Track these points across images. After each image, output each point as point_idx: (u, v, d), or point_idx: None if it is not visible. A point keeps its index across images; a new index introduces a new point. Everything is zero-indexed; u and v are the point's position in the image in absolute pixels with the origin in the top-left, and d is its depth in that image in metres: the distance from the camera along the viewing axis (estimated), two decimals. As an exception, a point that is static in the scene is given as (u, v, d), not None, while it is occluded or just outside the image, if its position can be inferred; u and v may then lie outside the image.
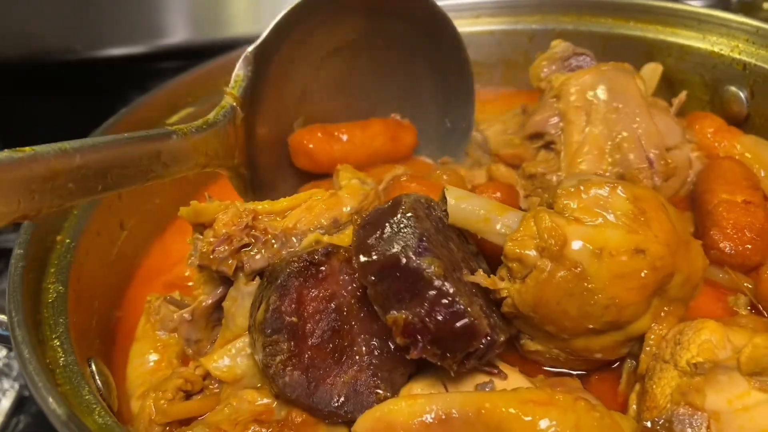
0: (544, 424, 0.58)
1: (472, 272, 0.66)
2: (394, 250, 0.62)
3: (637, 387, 0.68)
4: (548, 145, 0.90)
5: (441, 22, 1.00)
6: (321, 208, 0.77)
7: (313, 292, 0.66)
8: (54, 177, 0.57)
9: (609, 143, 0.84)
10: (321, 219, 0.76)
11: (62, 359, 0.65)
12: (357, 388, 0.65)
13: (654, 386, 0.65)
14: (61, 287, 0.72)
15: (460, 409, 0.59)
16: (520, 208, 0.76)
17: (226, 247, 0.70)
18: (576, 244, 0.64)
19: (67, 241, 0.78)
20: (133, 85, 1.87)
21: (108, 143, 0.65)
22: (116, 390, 0.72)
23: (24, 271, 0.71)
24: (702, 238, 0.84)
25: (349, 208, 0.76)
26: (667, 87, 1.07)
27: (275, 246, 0.73)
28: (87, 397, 0.62)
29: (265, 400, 0.67)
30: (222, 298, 0.73)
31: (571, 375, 0.72)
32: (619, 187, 0.66)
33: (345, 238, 0.74)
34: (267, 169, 0.95)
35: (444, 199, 0.68)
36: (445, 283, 0.61)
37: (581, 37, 1.16)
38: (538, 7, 1.19)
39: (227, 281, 0.73)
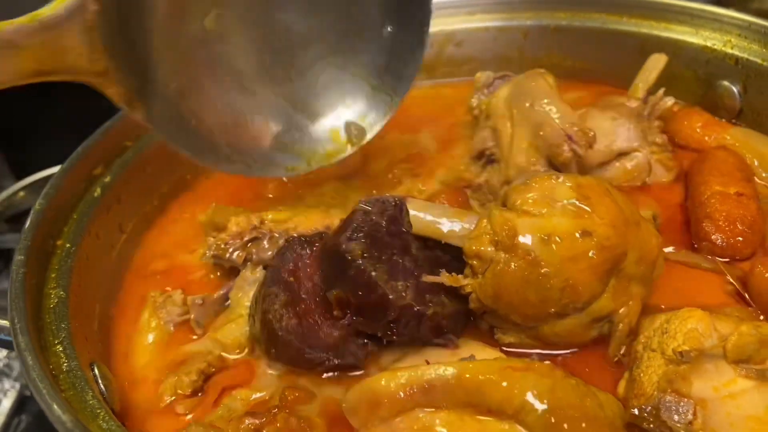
0: (520, 386, 0.62)
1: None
2: (333, 240, 0.75)
3: (626, 375, 0.70)
4: (490, 159, 0.95)
5: None
6: (317, 217, 0.90)
7: (306, 262, 0.78)
8: None
9: (532, 134, 0.89)
10: (316, 225, 0.89)
11: (65, 364, 0.66)
12: (347, 340, 0.74)
13: (642, 374, 0.67)
14: (62, 292, 0.73)
15: (441, 377, 0.64)
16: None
17: (238, 242, 0.85)
18: (526, 234, 0.68)
19: (68, 245, 0.79)
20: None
21: None
22: (118, 391, 0.73)
23: (25, 277, 0.71)
24: (694, 229, 0.86)
25: (338, 220, 0.83)
26: (662, 82, 1.08)
27: (280, 241, 0.85)
28: (91, 402, 0.62)
29: (258, 395, 0.74)
30: (230, 290, 0.84)
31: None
32: (562, 177, 0.71)
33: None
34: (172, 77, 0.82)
35: (406, 210, 0.73)
36: (363, 263, 0.70)
37: (575, 33, 1.18)
38: (532, 3, 1.20)
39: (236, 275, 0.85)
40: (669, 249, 0.85)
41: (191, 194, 1.03)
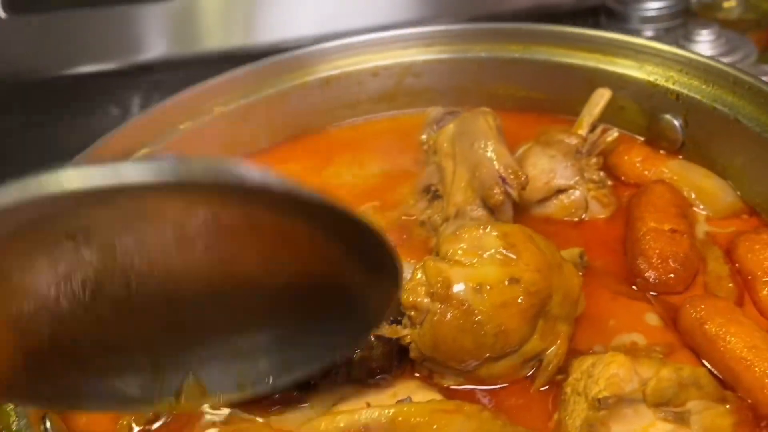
0: (447, 429, 0.67)
1: None
2: None
3: (555, 416, 0.73)
4: (436, 195, 0.99)
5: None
6: None
7: None
8: None
9: (470, 174, 0.93)
10: None
11: (15, 423, 0.67)
12: None
13: (567, 417, 0.70)
14: (12, 345, 0.75)
15: (376, 420, 0.68)
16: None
17: None
18: (459, 284, 0.72)
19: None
20: (111, 100, 1.91)
21: None
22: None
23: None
24: (630, 266, 0.90)
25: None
26: (609, 113, 1.11)
27: None
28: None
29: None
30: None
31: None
32: (489, 227, 0.75)
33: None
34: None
35: None
36: None
37: (527, 65, 1.21)
38: (487, 35, 1.23)
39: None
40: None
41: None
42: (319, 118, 1.28)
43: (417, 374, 0.79)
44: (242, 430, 0.73)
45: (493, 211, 0.89)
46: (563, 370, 0.77)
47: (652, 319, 0.84)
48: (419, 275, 0.74)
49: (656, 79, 1.07)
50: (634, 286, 0.88)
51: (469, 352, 0.73)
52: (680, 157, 1.06)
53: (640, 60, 1.09)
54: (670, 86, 1.06)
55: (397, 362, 0.79)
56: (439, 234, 0.93)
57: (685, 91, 1.04)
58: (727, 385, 0.74)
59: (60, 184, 0.44)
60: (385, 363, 0.78)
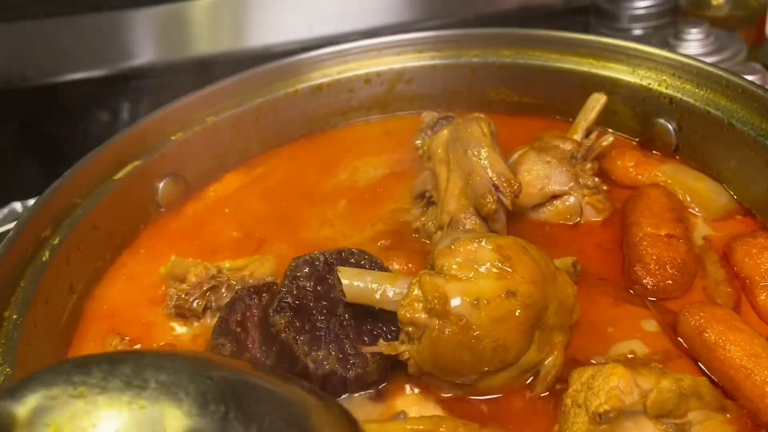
0: None
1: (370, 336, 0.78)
2: (264, 310, 0.81)
3: (556, 428, 0.73)
4: (430, 201, 0.99)
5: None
6: (270, 264, 0.98)
7: (254, 312, 0.82)
8: None
9: (463, 182, 0.93)
10: (271, 272, 0.96)
11: None
12: None
13: (567, 430, 0.70)
14: (8, 369, 0.74)
15: None
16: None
17: (197, 291, 0.90)
18: (456, 300, 0.72)
19: (14, 316, 0.80)
20: (100, 105, 1.89)
21: None
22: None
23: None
24: (628, 272, 0.89)
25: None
26: (603, 117, 1.11)
27: (236, 287, 0.90)
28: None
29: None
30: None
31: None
32: (483, 240, 0.75)
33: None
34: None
35: (339, 280, 0.76)
36: (285, 336, 0.76)
37: (519, 70, 1.21)
38: (478, 40, 1.22)
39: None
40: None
41: (145, 245, 1.05)
42: (311, 126, 1.27)
43: (416, 389, 0.79)
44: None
45: (486, 219, 0.89)
46: (562, 380, 0.76)
47: (651, 325, 0.84)
48: (416, 291, 0.73)
49: (649, 83, 1.07)
50: (631, 291, 0.88)
51: (468, 367, 0.73)
52: (677, 157, 1.07)
53: (632, 64, 1.09)
54: (663, 90, 1.06)
55: (391, 369, 0.79)
56: (432, 244, 0.92)
57: (679, 95, 1.04)
58: (727, 393, 0.74)
59: None
60: (381, 376, 0.78)
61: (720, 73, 1.00)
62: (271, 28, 1.80)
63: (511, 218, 0.97)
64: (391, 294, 0.75)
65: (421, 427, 0.71)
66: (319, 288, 0.81)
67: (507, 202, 0.88)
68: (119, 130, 1.08)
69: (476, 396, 0.78)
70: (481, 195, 0.88)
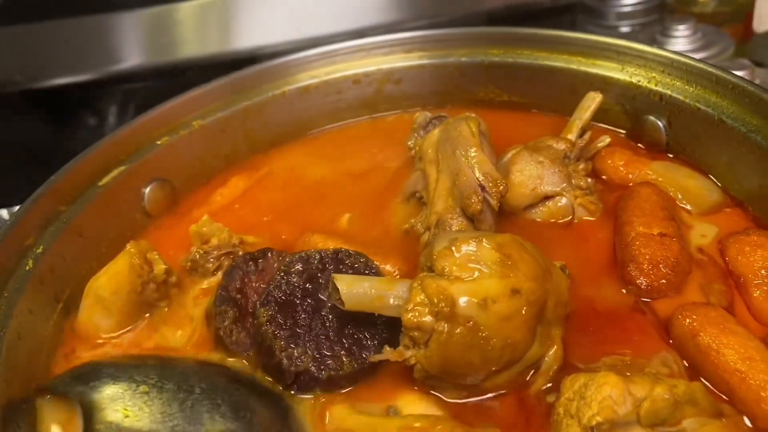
0: None
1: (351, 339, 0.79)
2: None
3: None
4: (421, 201, 0.98)
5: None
6: None
7: (252, 278, 0.87)
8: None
9: (451, 182, 0.93)
10: None
11: None
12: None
13: None
14: (-9, 382, 0.73)
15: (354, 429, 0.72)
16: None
17: (215, 253, 0.95)
18: (463, 301, 0.71)
19: (-2, 329, 0.78)
20: (87, 110, 1.88)
21: None
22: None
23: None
24: (621, 272, 0.89)
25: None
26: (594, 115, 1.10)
27: None
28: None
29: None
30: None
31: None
32: (484, 239, 0.74)
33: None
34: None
35: (335, 287, 0.74)
36: (265, 329, 0.79)
37: (508, 69, 1.20)
38: (467, 40, 1.21)
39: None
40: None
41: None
42: (299, 128, 1.26)
43: (416, 387, 0.78)
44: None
45: (472, 219, 0.88)
46: (554, 388, 0.75)
47: (644, 327, 0.83)
48: (420, 296, 0.72)
49: (639, 81, 1.07)
50: (624, 291, 0.87)
51: (476, 368, 0.72)
52: (668, 154, 1.06)
53: (622, 61, 1.09)
54: (653, 87, 1.05)
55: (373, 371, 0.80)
56: (421, 245, 0.91)
57: (668, 92, 1.04)
58: (722, 397, 0.73)
59: None
60: (352, 380, 0.79)
61: (710, 69, 0.99)
62: (258, 30, 1.79)
63: (504, 218, 0.97)
64: (391, 300, 0.74)
65: (417, 425, 0.70)
66: (308, 286, 0.82)
67: (493, 202, 0.88)
68: (107, 134, 1.07)
69: (480, 396, 0.77)
70: (467, 195, 0.88)
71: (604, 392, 0.66)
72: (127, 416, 0.61)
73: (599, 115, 1.11)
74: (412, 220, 0.97)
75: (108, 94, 1.83)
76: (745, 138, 0.93)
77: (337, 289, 0.74)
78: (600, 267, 0.92)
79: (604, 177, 1.04)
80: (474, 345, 0.70)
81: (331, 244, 0.93)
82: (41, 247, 0.90)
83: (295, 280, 0.83)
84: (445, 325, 0.70)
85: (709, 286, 0.87)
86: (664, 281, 0.86)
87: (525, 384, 0.77)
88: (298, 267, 0.83)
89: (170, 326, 0.90)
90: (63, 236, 0.93)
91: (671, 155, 1.07)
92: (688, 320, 0.78)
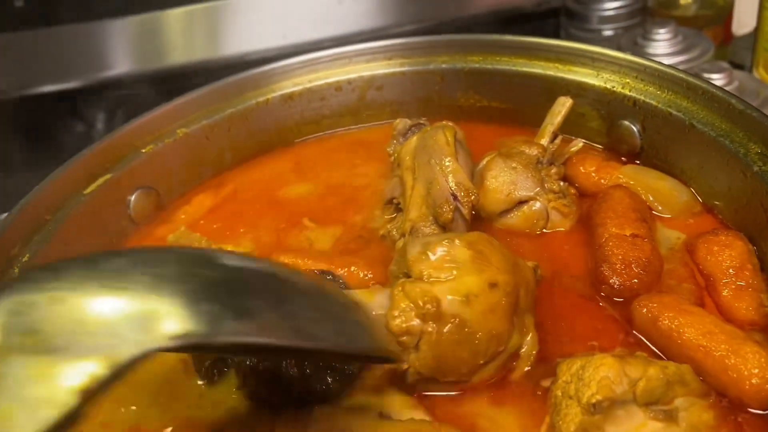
0: None
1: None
2: None
3: (547, 419, 0.74)
4: (398, 207, 1.00)
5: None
6: None
7: None
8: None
9: (425, 190, 0.95)
10: None
11: None
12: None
13: (560, 422, 0.71)
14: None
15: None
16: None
17: None
18: (448, 300, 0.73)
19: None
20: (74, 117, 1.89)
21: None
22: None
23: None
24: (594, 273, 0.91)
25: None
26: (570, 120, 1.12)
27: None
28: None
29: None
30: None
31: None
32: (456, 240, 0.77)
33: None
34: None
35: None
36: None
37: (487, 75, 1.22)
38: (447, 46, 1.24)
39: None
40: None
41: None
42: (283, 135, 1.28)
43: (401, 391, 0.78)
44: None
45: (444, 228, 0.90)
46: (551, 372, 0.78)
47: (614, 325, 0.85)
48: (404, 302, 0.73)
49: (613, 86, 1.09)
50: (602, 293, 0.89)
51: (466, 363, 0.75)
52: (642, 158, 1.09)
53: (596, 68, 1.11)
54: (627, 93, 1.08)
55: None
56: (396, 252, 0.93)
57: (642, 98, 1.06)
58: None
59: None
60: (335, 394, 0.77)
61: (681, 75, 1.02)
62: (244, 37, 1.80)
63: (480, 224, 0.99)
64: (373, 311, 0.76)
65: (413, 427, 0.72)
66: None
67: (465, 211, 0.90)
68: (95, 142, 1.08)
69: (470, 391, 0.78)
70: (439, 204, 0.90)
71: (601, 372, 0.69)
72: (28, 338, 0.44)
73: (576, 120, 1.13)
74: (389, 226, 0.99)
75: (96, 101, 1.84)
76: (714, 142, 0.96)
77: None
78: (575, 270, 0.94)
79: (577, 184, 1.06)
80: (462, 340, 0.73)
81: (301, 263, 0.94)
82: (27, 256, 0.91)
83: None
84: (434, 325, 0.72)
85: (679, 286, 0.89)
86: (636, 281, 0.88)
87: (510, 371, 0.80)
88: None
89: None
90: (49, 245, 0.94)
91: (645, 159, 1.09)
92: (645, 309, 0.81)
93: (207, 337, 0.46)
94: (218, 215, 1.14)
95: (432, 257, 0.75)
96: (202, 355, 0.81)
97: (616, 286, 0.89)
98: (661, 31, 1.61)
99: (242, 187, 1.20)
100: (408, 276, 0.76)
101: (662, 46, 1.61)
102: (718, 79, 1.40)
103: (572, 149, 1.04)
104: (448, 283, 0.73)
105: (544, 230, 0.99)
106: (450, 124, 1.01)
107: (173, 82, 1.74)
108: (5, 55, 1.71)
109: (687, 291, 0.88)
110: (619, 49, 1.57)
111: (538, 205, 0.98)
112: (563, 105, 1.08)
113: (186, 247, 0.88)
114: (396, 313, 0.73)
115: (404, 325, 0.73)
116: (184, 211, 1.14)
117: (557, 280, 0.92)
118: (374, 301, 0.77)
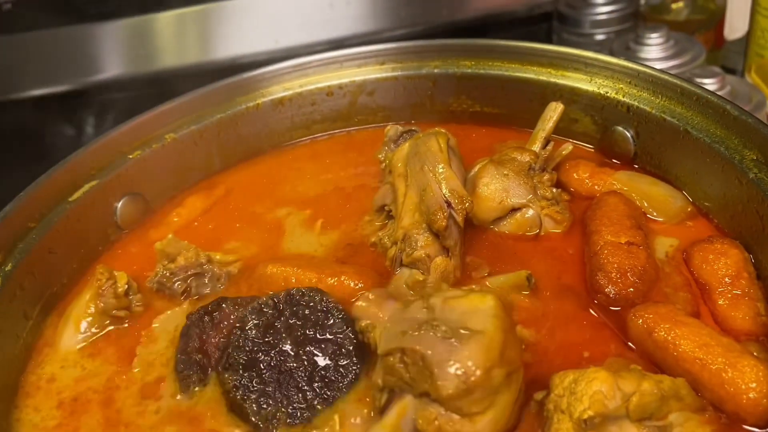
0: None
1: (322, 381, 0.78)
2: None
3: None
4: (389, 214, 0.99)
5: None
6: None
7: (210, 333, 0.84)
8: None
9: (419, 197, 0.93)
10: None
11: None
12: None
13: None
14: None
15: None
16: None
17: (182, 274, 0.94)
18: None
19: (-35, 349, 0.78)
20: (65, 121, 1.87)
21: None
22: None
23: None
24: (590, 281, 0.90)
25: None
26: (563, 125, 1.11)
27: (221, 279, 0.96)
28: None
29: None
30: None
31: None
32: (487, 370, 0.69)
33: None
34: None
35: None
36: (236, 396, 0.77)
37: (480, 80, 1.21)
38: (439, 51, 1.22)
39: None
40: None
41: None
42: (274, 140, 1.26)
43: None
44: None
45: (438, 235, 0.89)
46: (544, 385, 0.75)
47: (609, 334, 0.84)
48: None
49: (606, 92, 1.08)
50: (596, 302, 0.88)
51: None
52: (636, 164, 1.08)
53: (590, 73, 1.10)
54: (621, 98, 1.07)
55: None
56: (389, 259, 0.92)
57: (635, 103, 1.05)
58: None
59: None
60: None
61: (675, 81, 1.01)
62: (236, 41, 1.79)
63: (473, 232, 0.97)
64: None
65: None
66: (268, 338, 0.80)
67: (458, 218, 0.88)
68: (82, 147, 1.06)
69: None
70: (433, 211, 0.88)
71: (594, 387, 0.67)
72: None
73: (569, 126, 1.13)
74: (380, 233, 0.97)
75: (86, 104, 1.82)
76: (708, 148, 0.95)
77: None
78: (570, 278, 0.93)
79: (571, 189, 1.05)
80: None
81: (290, 272, 0.92)
82: (10, 264, 0.89)
83: (253, 334, 0.80)
84: None
85: (675, 294, 0.88)
86: (631, 289, 0.87)
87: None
88: (253, 320, 0.81)
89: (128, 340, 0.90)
90: (33, 253, 0.92)
91: (638, 165, 1.08)
92: (641, 320, 0.80)
93: None
94: (211, 217, 1.13)
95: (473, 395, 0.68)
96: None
97: (611, 295, 0.87)
98: (653, 35, 1.61)
99: (236, 187, 1.19)
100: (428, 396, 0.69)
101: (654, 50, 1.61)
102: (710, 83, 1.39)
103: (563, 152, 1.03)
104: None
105: (539, 233, 0.98)
106: (442, 130, 1.00)
107: (164, 86, 1.72)
108: (-2, 58, 1.69)
109: (682, 299, 0.87)
110: (611, 53, 1.57)
111: (530, 212, 0.97)
112: (554, 110, 1.07)
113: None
114: None
115: None
116: (177, 213, 1.13)
117: (550, 287, 0.91)
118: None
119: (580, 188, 1.04)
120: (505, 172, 0.97)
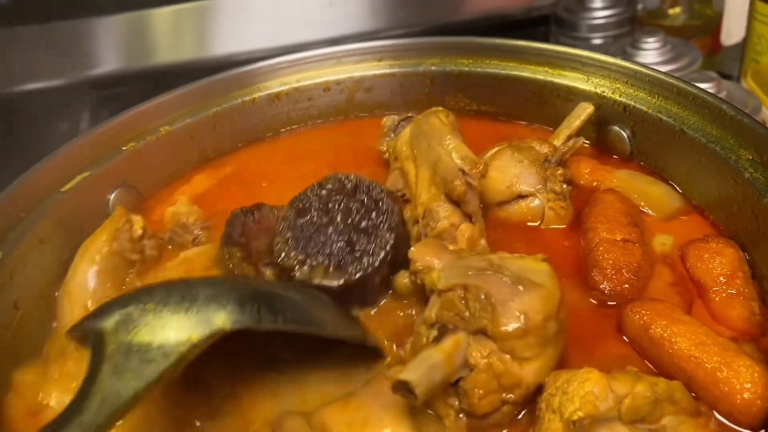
0: None
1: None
2: None
3: None
4: (405, 200, 0.98)
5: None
6: None
7: (252, 227, 0.93)
8: None
9: (431, 172, 0.93)
10: None
11: None
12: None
13: None
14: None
15: None
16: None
17: (194, 227, 1.01)
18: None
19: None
20: (61, 116, 1.86)
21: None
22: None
23: None
24: (586, 277, 0.89)
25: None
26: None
27: None
28: None
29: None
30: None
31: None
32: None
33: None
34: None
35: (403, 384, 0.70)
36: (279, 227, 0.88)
37: (477, 78, 1.21)
38: (437, 49, 1.23)
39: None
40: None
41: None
42: (269, 134, 1.26)
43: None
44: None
45: (458, 203, 0.88)
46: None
47: (604, 331, 0.84)
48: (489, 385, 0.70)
49: (603, 91, 1.08)
50: (592, 298, 0.88)
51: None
52: (632, 163, 1.08)
53: (587, 72, 1.10)
54: (617, 98, 1.07)
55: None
56: (414, 239, 0.91)
57: (632, 103, 1.05)
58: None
59: None
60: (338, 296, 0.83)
61: (671, 81, 1.01)
62: (233, 37, 1.79)
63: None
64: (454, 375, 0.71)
65: None
66: (330, 205, 0.88)
67: (474, 183, 0.87)
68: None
69: None
70: (449, 180, 0.87)
71: (586, 388, 0.67)
72: (137, 333, 0.66)
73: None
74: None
75: (82, 99, 1.81)
76: (704, 148, 0.95)
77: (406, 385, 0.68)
78: (566, 274, 0.92)
79: (571, 186, 1.05)
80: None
81: None
82: (1, 253, 0.88)
83: (323, 193, 0.89)
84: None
85: (669, 291, 0.88)
86: (626, 286, 0.87)
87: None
88: (329, 186, 0.90)
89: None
90: (24, 243, 0.91)
91: (635, 164, 1.08)
92: (637, 316, 0.79)
93: (253, 325, 0.70)
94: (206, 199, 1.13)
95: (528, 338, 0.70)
96: None
97: (606, 292, 0.87)
98: (650, 40, 1.61)
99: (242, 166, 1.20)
100: (484, 332, 0.70)
101: (651, 55, 1.61)
102: (706, 88, 1.39)
103: (576, 145, 1.03)
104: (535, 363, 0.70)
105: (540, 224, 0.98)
106: (440, 108, 0.99)
107: (160, 82, 1.71)
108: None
109: (677, 297, 0.87)
110: (608, 56, 1.57)
111: (536, 202, 0.96)
112: (584, 110, 1.06)
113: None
114: (481, 392, 0.70)
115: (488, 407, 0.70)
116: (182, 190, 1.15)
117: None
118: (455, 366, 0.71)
119: (580, 184, 1.04)
120: (521, 159, 0.97)
